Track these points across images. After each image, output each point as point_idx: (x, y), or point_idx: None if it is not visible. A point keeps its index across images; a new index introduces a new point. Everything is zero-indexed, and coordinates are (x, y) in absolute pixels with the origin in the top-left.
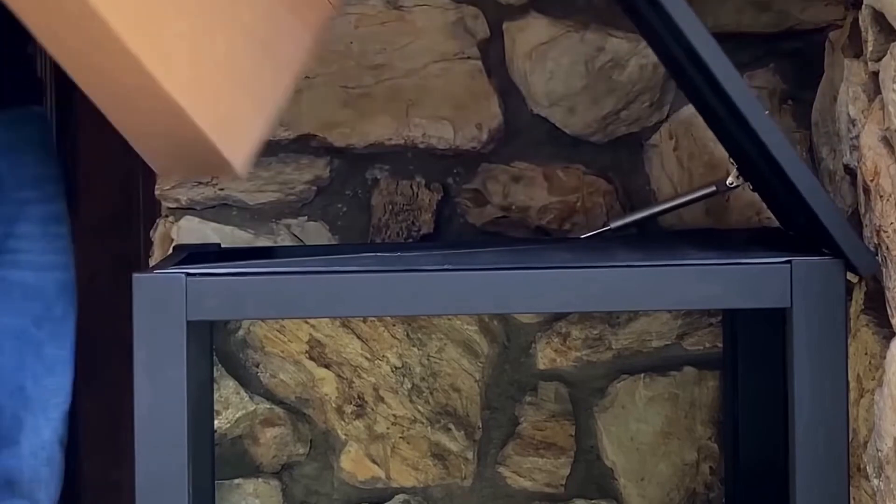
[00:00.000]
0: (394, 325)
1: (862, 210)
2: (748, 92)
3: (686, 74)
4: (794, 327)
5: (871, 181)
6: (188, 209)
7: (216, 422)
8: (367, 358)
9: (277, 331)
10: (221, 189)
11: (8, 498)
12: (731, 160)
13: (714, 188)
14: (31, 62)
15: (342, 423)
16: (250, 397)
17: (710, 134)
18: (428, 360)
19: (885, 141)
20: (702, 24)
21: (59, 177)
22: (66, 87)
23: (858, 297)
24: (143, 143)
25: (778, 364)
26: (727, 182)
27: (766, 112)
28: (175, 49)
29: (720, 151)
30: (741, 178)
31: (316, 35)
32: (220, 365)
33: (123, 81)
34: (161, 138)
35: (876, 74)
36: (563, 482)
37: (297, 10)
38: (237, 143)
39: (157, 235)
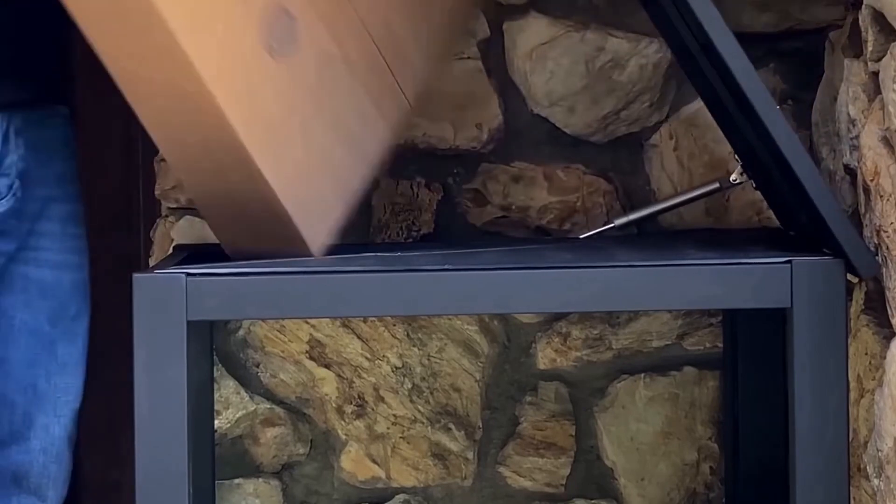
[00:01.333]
0: (394, 325)
1: (862, 210)
2: (761, 86)
3: (697, 66)
4: (795, 327)
5: (871, 181)
6: (188, 209)
7: (216, 422)
8: (367, 358)
9: (277, 331)
10: None
11: (16, 494)
12: (736, 157)
13: (718, 185)
14: (58, 64)
15: (342, 422)
16: (250, 397)
17: (710, 134)
18: (428, 359)
19: (885, 141)
20: (720, 15)
21: (78, 177)
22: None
23: (858, 297)
24: (216, 214)
25: (778, 364)
26: (731, 179)
27: (778, 107)
28: (271, 129)
29: (720, 151)
30: (745, 175)
31: (395, 130)
32: (220, 365)
33: (216, 155)
34: (240, 216)
35: (876, 74)
36: (564, 482)
37: (381, 106)
38: (317, 226)
39: (157, 235)
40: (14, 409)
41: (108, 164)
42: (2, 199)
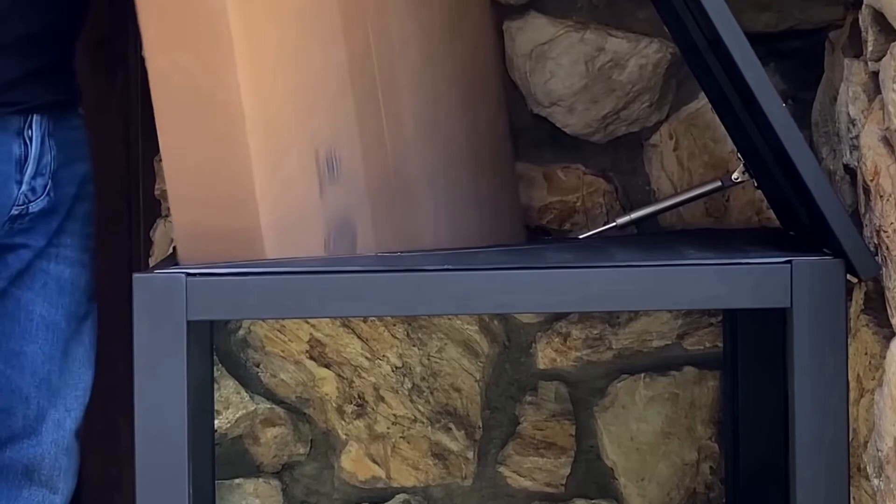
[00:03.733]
0: (394, 325)
1: (862, 210)
2: (768, 83)
3: (704, 62)
4: (794, 327)
5: (871, 181)
6: None
7: (216, 422)
8: (367, 358)
9: (278, 331)
10: None
11: (27, 486)
12: (739, 155)
13: (720, 183)
14: (74, 70)
15: (342, 422)
16: (251, 397)
17: (709, 133)
18: (428, 359)
19: (885, 141)
20: (729, 10)
21: (93, 178)
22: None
23: (858, 297)
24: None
25: (778, 364)
26: (733, 177)
27: (784, 105)
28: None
29: (720, 151)
30: (747, 174)
31: None
32: (220, 365)
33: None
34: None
35: (876, 74)
36: (564, 482)
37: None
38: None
39: (157, 235)
40: (28, 403)
41: (108, 165)
42: (38, 198)
